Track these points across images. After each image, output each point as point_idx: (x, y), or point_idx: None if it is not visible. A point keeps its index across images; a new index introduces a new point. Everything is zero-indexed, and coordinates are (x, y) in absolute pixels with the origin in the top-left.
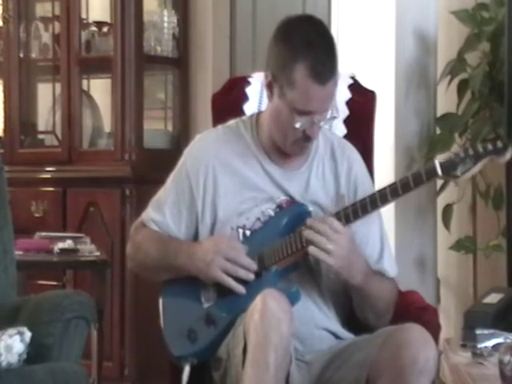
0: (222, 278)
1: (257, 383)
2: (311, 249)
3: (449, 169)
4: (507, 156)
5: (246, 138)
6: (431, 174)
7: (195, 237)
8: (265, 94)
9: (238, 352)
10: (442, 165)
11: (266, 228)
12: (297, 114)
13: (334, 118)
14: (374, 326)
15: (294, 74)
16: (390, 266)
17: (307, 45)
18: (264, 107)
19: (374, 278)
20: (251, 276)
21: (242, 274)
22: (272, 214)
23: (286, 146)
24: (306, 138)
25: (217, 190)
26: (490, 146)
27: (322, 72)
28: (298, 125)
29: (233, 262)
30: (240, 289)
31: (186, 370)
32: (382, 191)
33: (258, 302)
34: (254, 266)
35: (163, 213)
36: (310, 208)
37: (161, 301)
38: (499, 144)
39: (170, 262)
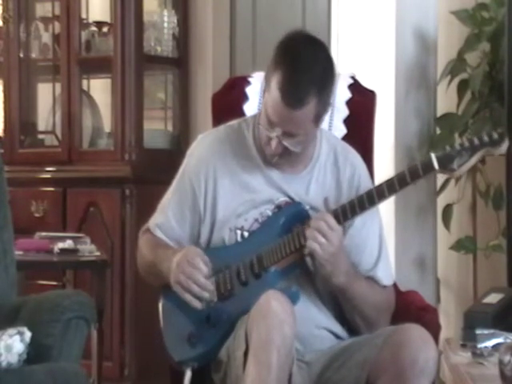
0: (177, 290)
1: (259, 383)
2: (308, 242)
3: (445, 162)
4: (503, 147)
5: (247, 140)
6: (428, 167)
7: (198, 237)
8: None
9: (239, 355)
10: (438, 158)
11: (264, 228)
12: (265, 116)
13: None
14: (364, 332)
15: (271, 80)
16: (384, 275)
17: (292, 62)
18: None
19: (361, 281)
20: (206, 295)
21: (196, 291)
22: (270, 214)
23: (263, 146)
24: (269, 148)
25: (217, 191)
26: (485, 138)
27: (290, 95)
28: (261, 126)
29: (188, 278)
30: (194, 303)
31: (188, 374)
32: (379, 187)
33: (260, 302)
34: (209, 286)
35: (166, 215)
36: (307, 206)
37: (160, 305)
38: (495, 135)
39: (157, 269)
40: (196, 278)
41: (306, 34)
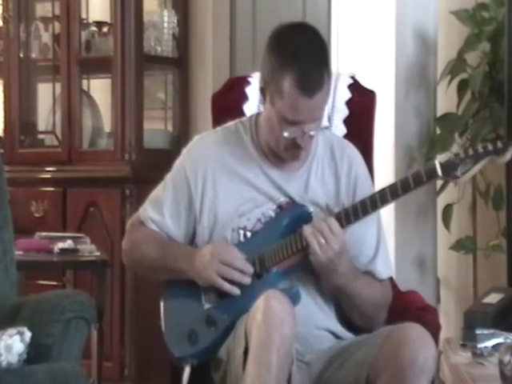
0: (216, 281)
1: (259, 383)
2: (309, 239)
3: (449, 169)
4: (507, 156)
5: (244, 140)
6: (431, 174)
7: (193, 236)
8: None
9: (239, 353)
10: (442, 165)
11: (267, 229)
12: (286, 123)
13: (325, 127)
14: (362, 328)
15: (282, 85)
16: (382, 268)
17: (295, 56)
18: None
19: (359, 281)
20: (247, 279)
21: (238, 276)
22: (272, 214)
23: (280, 151)
24: (297, 146)
25: (216, 192)
26: (490, 147)
27: (310, 84)
28: (286, 134)
29: (228, 266)
30: (234, 290)
31: (187, 370)
32: (382, 192)
33: (260, 302)
34: (250, 269)
35: (162, 213)
36: (311, 209)
37: (162, 302)
38: (499, 144)
39: (169, 265)
40: (237, 263)
41: (287, 26)
